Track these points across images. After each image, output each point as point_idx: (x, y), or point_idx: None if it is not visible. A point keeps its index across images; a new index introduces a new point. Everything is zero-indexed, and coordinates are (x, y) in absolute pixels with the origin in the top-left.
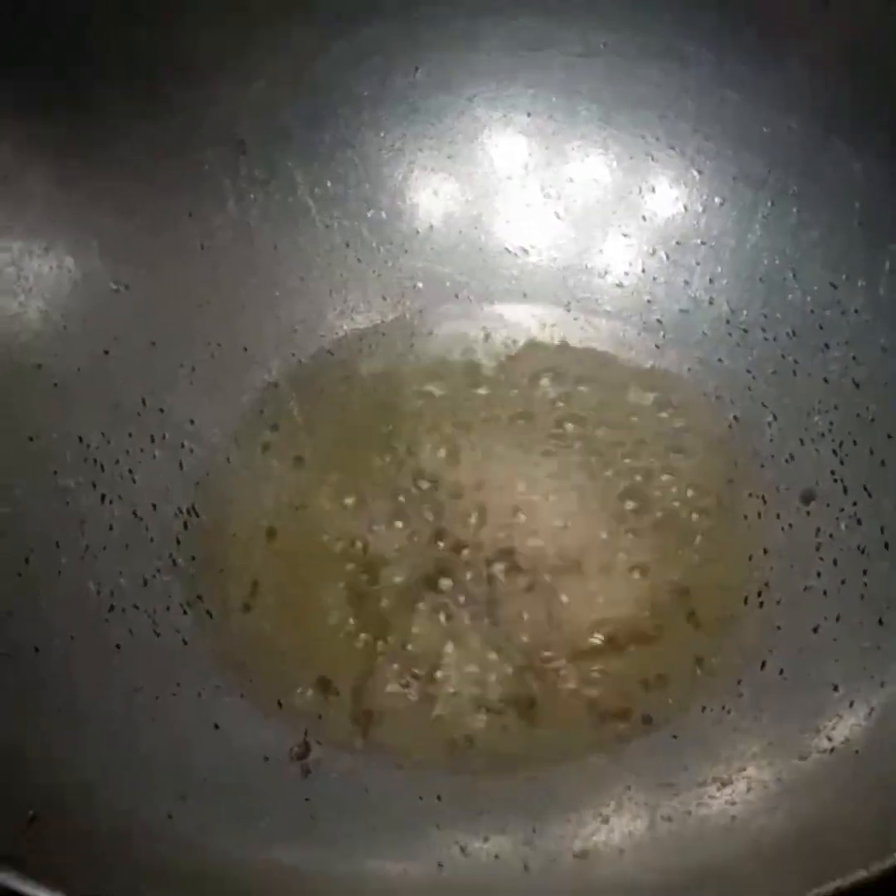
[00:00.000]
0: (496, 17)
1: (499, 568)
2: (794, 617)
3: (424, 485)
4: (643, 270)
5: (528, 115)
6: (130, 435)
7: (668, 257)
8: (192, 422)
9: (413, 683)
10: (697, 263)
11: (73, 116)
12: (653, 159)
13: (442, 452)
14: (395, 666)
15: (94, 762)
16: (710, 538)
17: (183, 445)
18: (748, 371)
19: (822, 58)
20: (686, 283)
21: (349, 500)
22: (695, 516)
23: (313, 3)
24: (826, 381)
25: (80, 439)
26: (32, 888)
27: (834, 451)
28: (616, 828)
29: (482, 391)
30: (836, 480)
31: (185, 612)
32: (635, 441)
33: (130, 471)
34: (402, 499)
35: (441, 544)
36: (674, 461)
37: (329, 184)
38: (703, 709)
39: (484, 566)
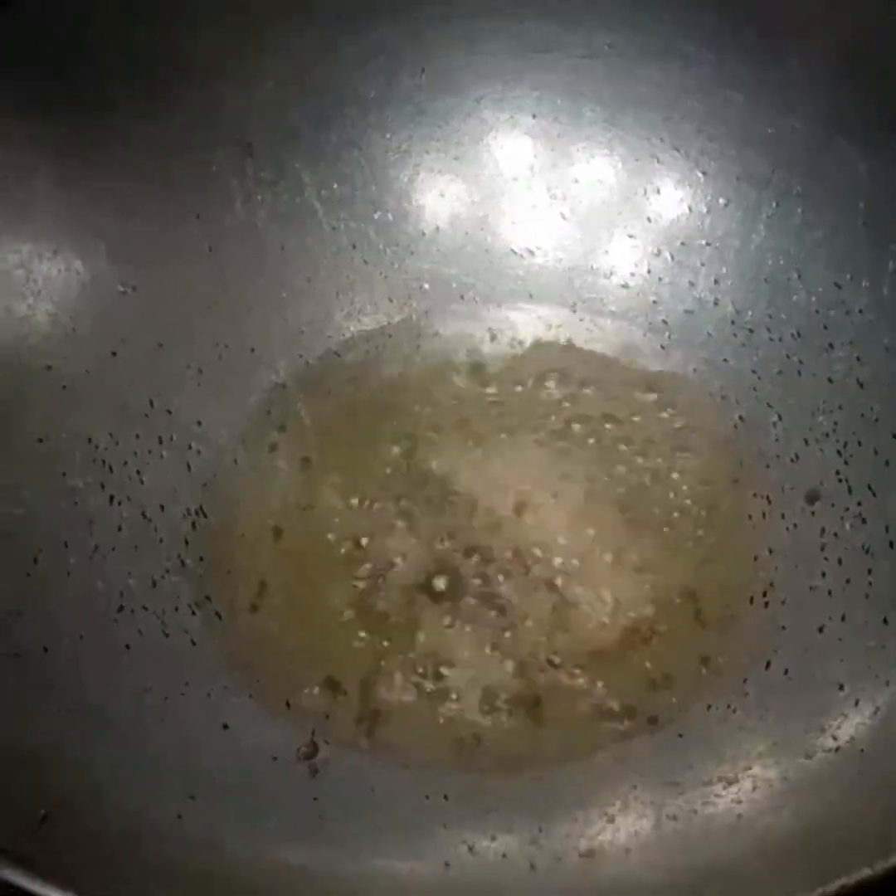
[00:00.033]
0: (502, 20)
1: (505, 568)
2: (799, 617)
3: (431, 485)
4: (648, 271)
5: (534, 116)
6: (138, 436)
7: (673, 258)
8: (199, 423)
9: (420, 683)
10: (702, 264)
11: (79, 119)
12: (657, 160)
13: (448, 453)
14: (402, 666)
15: (103, 762)
16: (716, 538)
17: (190, 446)
18: (753, 371)
19: (826, 58)
20: (691, 283)
21: (356, 501)
22: (700, 516)
23: (319, 5)
24: (830, 381)
25: (89, 440)
26: (42, 888)
27: (838, 451)
28: (622, 827)
29: (488, 392)
30: (840, 480)
31: (193, 613)
32: (641, 441)
33: (139, 472)
34: (408, 499)
35: (447, 545)
36: (679, 461)
37: (336, 185)
38: (709, 708)
39: (490, 566)
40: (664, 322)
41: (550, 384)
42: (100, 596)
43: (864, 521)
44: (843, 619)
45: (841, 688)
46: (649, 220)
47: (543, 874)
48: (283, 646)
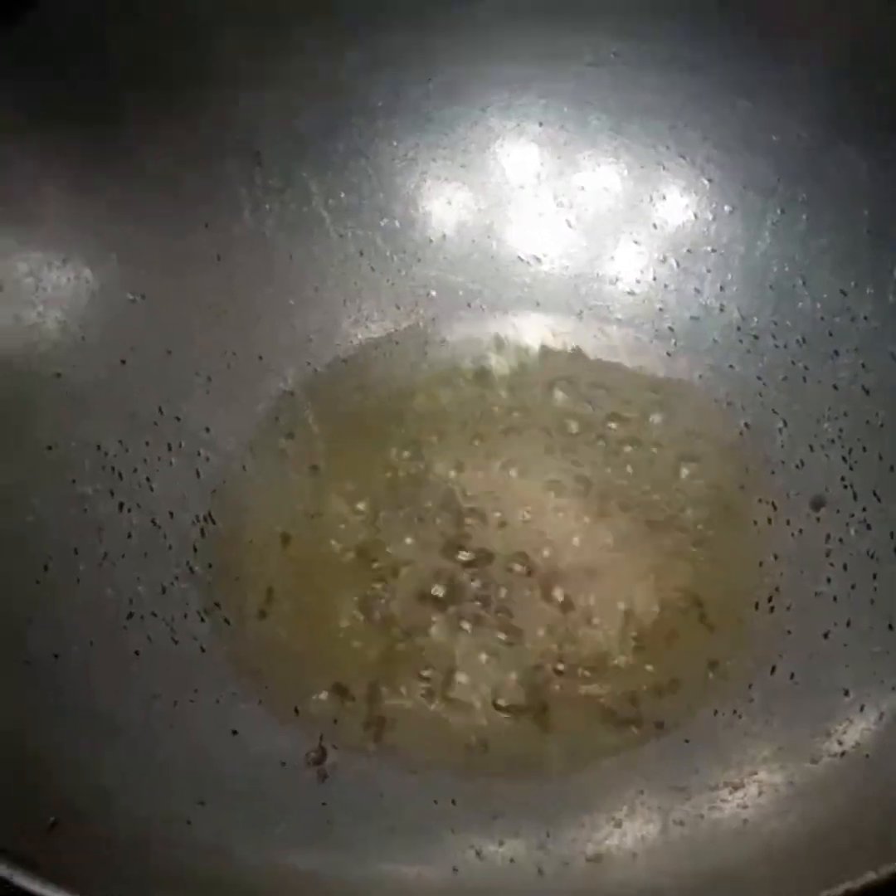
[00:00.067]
0: (508, 29)
1: (512, 574)
2: (804, 622)
3: (438, 492)
4: (654, 278)
5: (540, 124)
6: (147, 443)
7: (678, 265)
8: (208, 430)
9: (427, 688)
10: (708, 271)
11: (89, 130)
12: (663, 168)
13: (455, 460)
14: (410, 671)
15: (113, 768)
16: (722, 544)
17: (199, 453)
18: (759, 378)
19: (827, 60)
20: (697, 290)
21: (363, 508)
22: (706, 522)
23: (327, 14)
24: (836, 387)
25: (98, 448)
26: (54, 893)
27: (843, 458)
28: (629, 832)
29: (495, 399)
30: (845, 486)
31: (202, 620)
32: (647, 447)
33: (148, 479)
34: (416, 506)
35: (455, 551)
36: (685, 467)
37: (343, 194)
38: (715, 713)
39: (497, 573)
40: (670, 329)
41: (557, 391)
42: (109, 603)
43: (869, 527)
44: (848, 624)
45: (846, 693)
46: (655, 227)
47: (551, 879)
48: (291, 652)
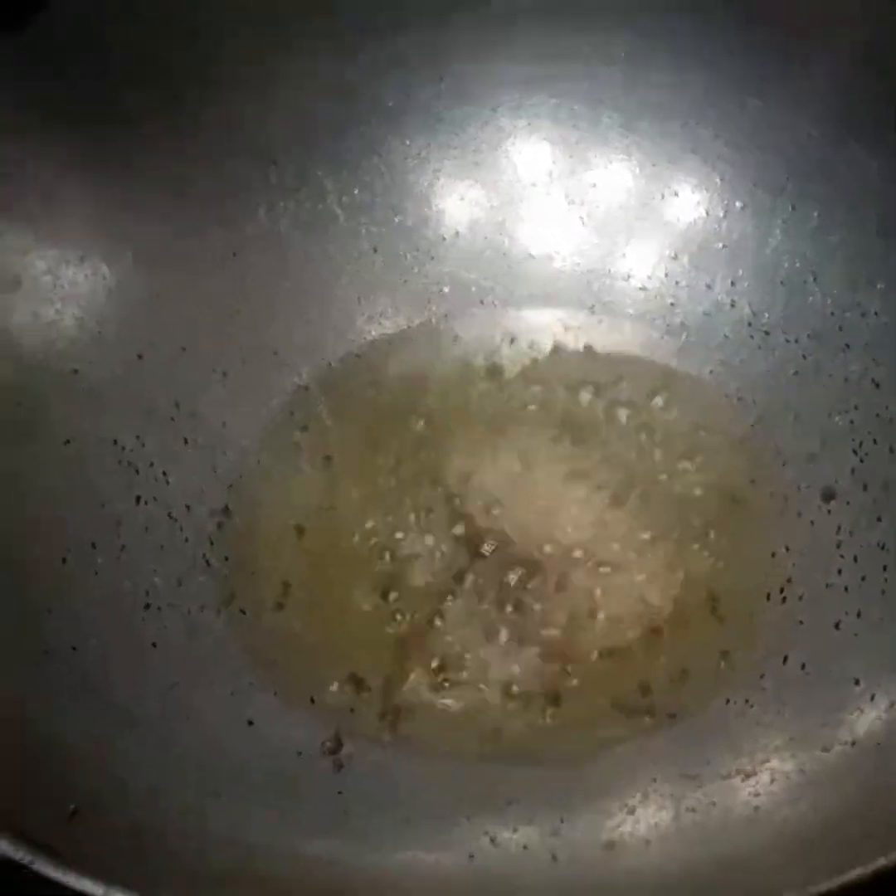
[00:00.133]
0: (519, 28)
1: (525, 565)
2: (815, 613)
3: (451, 485)
4: (666, 274)
5: (552, 123)
6: (164, 438)
7: (690, 261)
8: (224, 425)
9: (441, 678)
10: (719, 267)
11: (106, 129)
12: (675, 165)
13: (468, 453)
14: (424, 662)
15: (130, 759)
16: (733, 536)
17: (215, 448)
18: (770, 372)
19: (841, 62)
20: (708, 286)
21: (377, 500)
22: (718, 514)
23: (339, 15)
24: (846, 381)
25: (115, 442)
26: (76, 880)
27: (854, 451)
28: (642, 819)
29: (507, 394)
30: (856, 479)
31: (218, 612)
32: (659, 441)
33: (164, 473)
34: (429, 498)
35: (468, 543)
36: (697, 461)
37: (357, 191)
38: (727, 703)
39: (511, 564)
40: (682, 324)
41: (569, 386)
42: (126, 595)
43: (879, 518)
44: (858, 615)
45: (857, 683)
46: (667, 223)
47: (564, 865)
48: (306, 643)
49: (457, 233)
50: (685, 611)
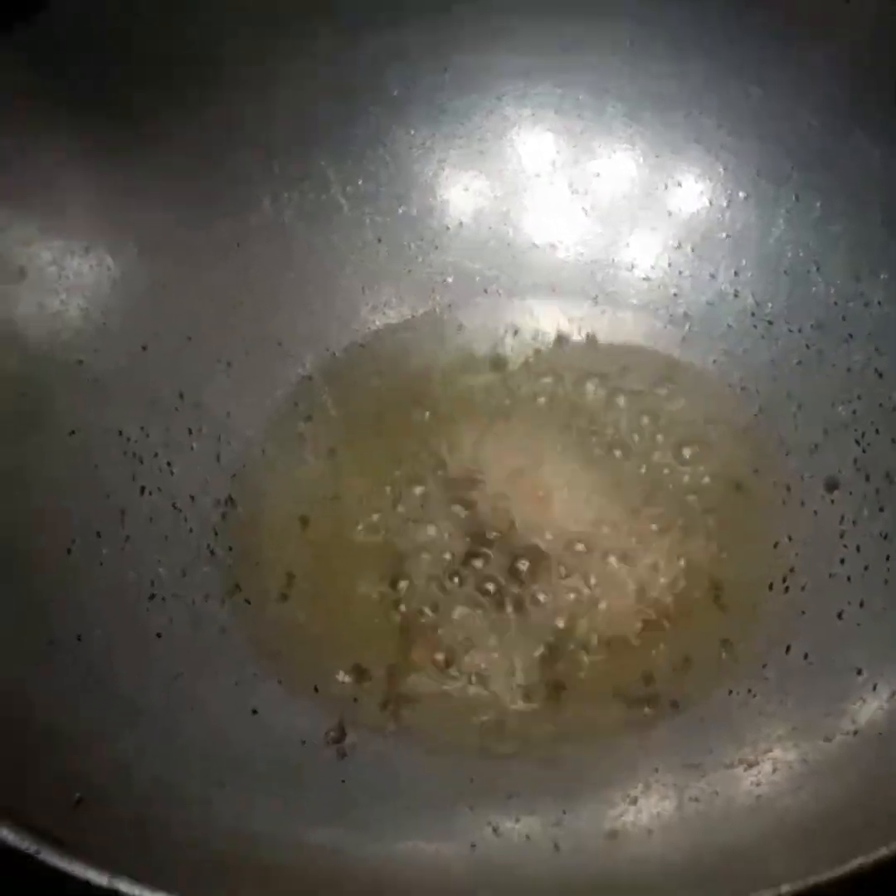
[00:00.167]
0: (523, 18)
1: (528, 555)
2: (818, 602)
3: (455, 475)
4: (669, 264)
5: (556, 113)
6: (168, 429)
7: (693, 251)
8: (228, 415)
9: (444, 668)
10: (722, 257)
11: (111, 119)
12: (678, 155)
13: (471, 444)
14: (427, 651)
15: (134, 748)
16: (736, 526)
17: (219, 438)
18: (773, 362)
19: (844, 52)
20: (711, 276)
21: (381, 491)
22: (721, 504)
23: (343, 5)
24: (849, 371)
25: (120, 433)
26: (82, 870)
27: (857, 441)
28: (644, 808)
29: (511, 384)
30: (859, 468)
31: (222, 602)
32: (662, 431)
33: (169, 463)
34: (432, 488)
35: (471, 533)
36: (700, 451)
37: (361, 182)
38: (730, 692)
39: (513, 554)
40: (685, 314)
41: (573, 376)
42: (131, 585)
43: (882, 508)
44: (861, 605)
45: (859, 673)
46: (670, 213)
47: (567, 855)
48: (310, 633)
49: (461, 223)
50: (688, 600)
